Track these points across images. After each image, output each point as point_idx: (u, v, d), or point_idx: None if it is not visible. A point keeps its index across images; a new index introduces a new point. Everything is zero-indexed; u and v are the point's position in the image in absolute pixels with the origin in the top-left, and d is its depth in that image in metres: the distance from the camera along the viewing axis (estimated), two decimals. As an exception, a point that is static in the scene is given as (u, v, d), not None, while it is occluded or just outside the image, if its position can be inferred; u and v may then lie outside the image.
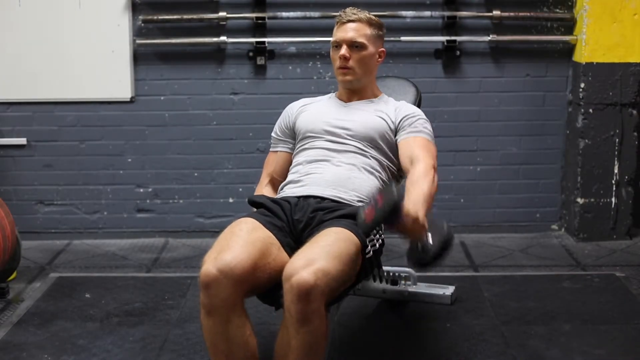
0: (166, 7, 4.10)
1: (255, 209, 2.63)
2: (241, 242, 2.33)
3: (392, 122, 2.72)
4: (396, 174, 2.75)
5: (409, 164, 2.60)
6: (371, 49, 2.71)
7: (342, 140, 2.70)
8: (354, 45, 2.69)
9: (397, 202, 2.24)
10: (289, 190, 2.67)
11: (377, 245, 2.53)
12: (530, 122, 4.25)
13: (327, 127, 2.73)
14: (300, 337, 2.21)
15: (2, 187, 4.21)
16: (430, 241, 2.32)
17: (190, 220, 4.30)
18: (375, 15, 2.80)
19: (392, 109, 2.76)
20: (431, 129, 2.73)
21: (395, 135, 2.72)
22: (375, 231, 2.53)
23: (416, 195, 2.32)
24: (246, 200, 2.74)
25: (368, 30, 2.71)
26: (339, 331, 3.03)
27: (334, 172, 2.64)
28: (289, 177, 2.73)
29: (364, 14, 2.72)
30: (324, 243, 2.31)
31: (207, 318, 2.28)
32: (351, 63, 2.69)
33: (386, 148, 2.71)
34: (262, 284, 2.35)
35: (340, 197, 2.58)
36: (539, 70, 4.20)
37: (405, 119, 2.72)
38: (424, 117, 2.76)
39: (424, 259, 2.34)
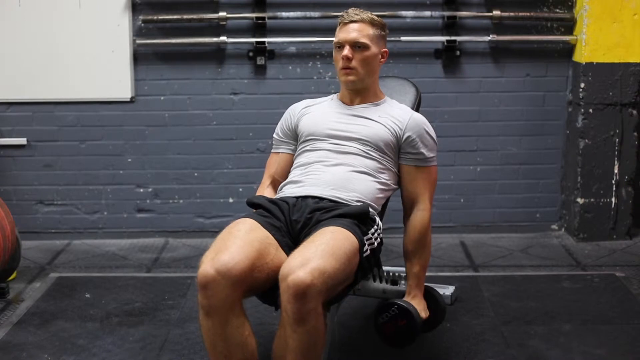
0: (166, 7, 4.10)
1: (253, 210, 2.63)
2: (239, 242, 2.33)
3: (397, 134, 2.70)
4: (397, 177, 2.75)
5: (410, 203, 2.74)
6: (374, 49, 2.70)
7: (345, 143, 2.69)
8: (356, 46, 2.68)
9: (417, 329, 2.62)
10: (288, 191, 2.67)
11: (376, 243, 2.53)
12: (530, 122, 4.25)
13: (330, 131, 2.72)
14: (298, 337, 2.21)
15: (2, 187, 4.21)
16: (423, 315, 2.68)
17: (190, 220, 4.30)
18: (376, 16, 2.79)
19: (397, 117, 2.73)
20: (435, 140, 2.74)
21: (399, 148, 2.71)
22: (373, 230, 2.53)
23: (417, 274, 2.74)
24: (245, 200, 2.74)
25: (371, 31, 2.70)
26: (339, 331, 3.03)
27: (334, 173, 2.64)
28: (289, 178, 2.73)
29: (367, 15, 2.72)
30: (320, 242, 2.31)
31: (205, 319, 2.28)
32: (354, 63, 2.68)
33: (388, 152, 2.70)
34: (261, 284, 2.35)
35: (338, 197, 2.58)
36: (539, 70, 4.20)
37: (411, 140, 2.70)
38: (430, 130, 2.74)
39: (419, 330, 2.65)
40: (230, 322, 2.27)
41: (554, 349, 2.93)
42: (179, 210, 4.29)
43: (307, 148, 2.74)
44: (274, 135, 2.89)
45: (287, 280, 2.18)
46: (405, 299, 2.70)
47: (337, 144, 2.70)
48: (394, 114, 2.74)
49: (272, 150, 2.90)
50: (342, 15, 2.74)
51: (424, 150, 2.71)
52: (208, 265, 2.25)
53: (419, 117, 2.77)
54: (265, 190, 2.83)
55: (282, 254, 2.41)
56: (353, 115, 2.75)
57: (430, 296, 2.76)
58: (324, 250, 2.26)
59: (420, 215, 2.72)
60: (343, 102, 2.81)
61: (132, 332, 3.09)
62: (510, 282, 3.56)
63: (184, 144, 4.23)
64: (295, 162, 2.78)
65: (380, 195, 2.68)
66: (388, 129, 2.70)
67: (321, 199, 2.58)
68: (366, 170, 2.66)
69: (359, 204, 2.58)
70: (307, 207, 2.54)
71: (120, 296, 3.45)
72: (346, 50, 2.68)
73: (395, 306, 2.62)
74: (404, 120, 2.72)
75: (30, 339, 3.03)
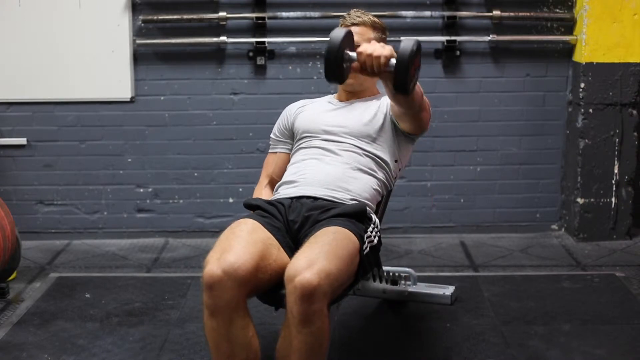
0: (166, 7, 4.10)
1: (251, 212, 2.62)
2: (243, 242, 2.33)
3: (385, 107, 2.71)
4: (393, 173, 2.75)
5: None
6: None
7: (338, 139, 2.70)
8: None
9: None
10: (283, 192, 2.67)
11: (375, 241, 2.53)
12: (530, 122, 4.25)
13: (325, 126, 2.73)
14: (303, 338, 2.21)
15: (2, 187, 4.21)
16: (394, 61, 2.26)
17: (190, 220, 4.30)
18: (376, 16, 2.79)
19: (385, 100, 2.75)
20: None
21: (391, 120, 2.71)
22: (371, 228, 2.53)
23: None
24: (243, 203, 2.74)
25: (372, 34, 2.71)
26: (339, 331, 3.03)
27: (327, 171, 2.64)
28: (284, 177, 2.74)
29: (368, 17, 2.72)
30: (323, 243, 2.31)
31: (210, 319, 2.28)
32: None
33: (385, 143, 2.70)
34: (263, 285, 2.35)
35: (333, 197, 2.58)
36: (539, 70, 4.20)
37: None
38: None
39: (401, 77, 2.26)
40: (235, 323, 2.27)
41: (554, 349, 2.93)
42: (179, 210, 4.29)
43: (302, 145, 2.75)
44: (271, 135, 2.90)
45: (294, 282, 2.18)
46: None
47: (330, 140, 2.70)
48: (384, 100, 2.76)
49: (270, 150, 2.91)
50: (343, 17, 2.74)
51: None
52: (214, 266, 2.24)
53: None
54: (262, 190, 2.84)
55: (284, 254, 2.41)
56: (347, 112, 2.76)
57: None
58: (328, 252, 2.26)
59: None
60: (339, 101, 2.83)
61: (132, 332, 3.09)
62: (510, 282, 3.56)
63: (184, 144, 4.23)
64: (291, 160, 2.79)
65: (376, 193, 2.68)
66: (382, 111, 2.71)
67: (316, 198, 2.58)
68: (360, 168, 2.66)
69: (354, 202, 2.58)
70: (303, 207, 2.55)
71: (120, 296, 3.45)
72: None
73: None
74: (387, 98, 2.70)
75: (30, 339, 3.03)
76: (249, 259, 2.27)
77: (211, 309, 2.26)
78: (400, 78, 2.24)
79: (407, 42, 2.24)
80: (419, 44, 2.27)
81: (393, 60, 2.25)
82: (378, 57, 2.24)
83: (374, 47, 2.25)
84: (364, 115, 2.73)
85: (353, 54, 2.29)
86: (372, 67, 2.26)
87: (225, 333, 2.27)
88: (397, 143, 2.73)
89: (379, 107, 2.75)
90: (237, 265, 2.24)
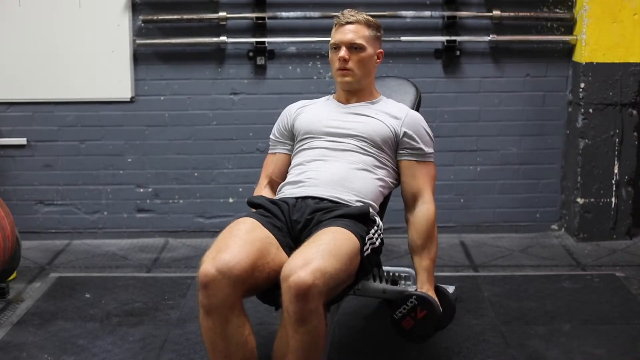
0: (166, 7, 4.10)
1: (254, 210, 2.63)
2: (240, 242, 2.33)
3: (394, 131, 2.71)
4: (395, 173, 2.75)
5: (412, 198, 2.71)
6: (370, 50, 2.72)
7: (341, 140, 2.70)
8: (352, 47, 2.69)
9: (439, 320, 2.52)
10: (288, 191, 2.67)
11: (377, 243, 2.53)
12: (530, 122, 4.25)
13: (326, 127, 2.73)
14: (299, 337, 2.22)
15: (2, 187, 4.21)
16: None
17: (190, 220, 4.30)
18: (375, 16, 2.80)
19: (394, 113, 2.74)
20: (432, 137, 2.76)
21: (397, 145, 2.72)
22: (374, 230, 2.53)
23: (427, 268, 2.63)
24: (246, 200, 2.74)
25: (366, 32, 2.71)
26: (339, 331, 3.03)
27: (332, 171, 2.64)
28: (288, 178, 2.74)
29: (362, 16, 2.73)
30: (321, 242, 2.31)
31: (206, 318, 2.28)
32: (350, 64, 2.70)
33: (385, 148, 2.71)
34: (261, 284, 2.35)
35: (338, 198, 2.59)
36: (539, 70, 4.20)
37: (409, 137, 2.71)
38: (426, 127, 2.75)
39: (431, 331, 2.56)
40: (230, 322, 2.27)
41: (554, 349, 2.92)
42: (179, 210, 4.29)
43: (304, 147, 2.75)
44: (271, 136, 2.90)
45: (288, 281, 2.18)
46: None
47: (333, 141, 2.70)
48: (391, 111, 2.76)
49: (269, 151, 2.91)
50: (337, 17, 2.75)
51: (422, 146, 2.72)
52: (209, 265, 2.25)
53: (416, 114, 2.80)
54: (262, 191, 2.84)
55: (283, 254, 2.41)
56: (349, 113, 2.76)
57: (439, 293, 2.66)
58: (325, 251, 2.26)
59: (426, 208, 2.69)
60: (339, 102, 2.82)
61: (132, 332, 3.09)
62: (510, 282, 3.56)
63: (184, 144, 4.23)
64: (293, 161, 2.79)
65: (380, 192, 2.69)
66: (385, 124, 2.71)
67: (321, 199, 2.58)
68: (364, 167, 2.66)
69: (359, 204, 2.58)
70: (308, 207, 2.55)
71: (120, 296, 3.45)
72: (342, 52, 2.69)
73: (414, 297, 2.53)
74: (401, 117, 2.73)
75: (30, 339, 3.03)
76: (244, 258, 2.27)
77: (206, 308, 2.27)
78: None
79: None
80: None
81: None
82: None
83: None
84: (366, 119, 2.73)
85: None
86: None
87: (221, 332, 2.27)
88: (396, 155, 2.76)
89: (384, 116, 2.73)
90: (232, 264, 2.24)
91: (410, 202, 2.73)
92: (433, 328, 2.51)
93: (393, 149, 2.72)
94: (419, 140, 2.72)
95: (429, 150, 2.74)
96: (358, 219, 2.50)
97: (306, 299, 2.17)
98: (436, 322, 2.50)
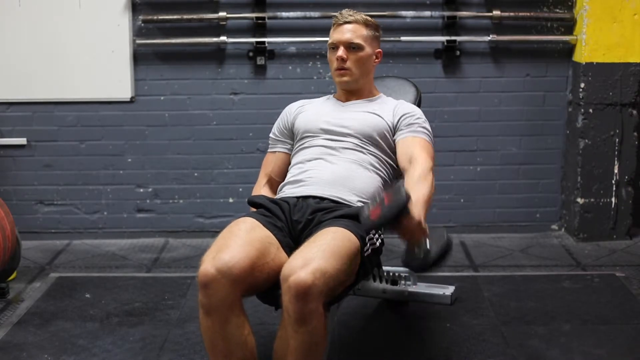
0: (166, 7, 4.10)
1: (254, 209, 2.63)
2: (240, 241, 2.33)
3: (391, 121, 2.72)
4: (395, 171, 2.76)
5: (408, 164, 2.61)
6: (368, 50, 2.72)
7: (340, 138, 2.70)
8: (351, 47, 2.70)
9: (404, 202, 2.24)
10: (288, 191, 2.67)
11: (377, 244, 2.53)
12: (530, 122, 4.25)
13: (325, 125, 2.74)
14: (299, 337, 2.21)
15: (2, 187, 4.21)
16: (429, 246, 2.37)
17: (190, 220, 4.30)
18: (374, 16, 2.80)
19: (391, 107, 2.77)
20: (430, 130, 2.74)
21: (393, 135, 2.72)
22: (375, 231, 2.53)
23: (417, 199, 2.34)
24: (246, 200, 2.74)
25: (365, 32, 2.72)
26: (339, 331, 3.03)
27: (333, 170, 2.64)
28: (288, 178, 2.74)
29: (360, 15, 2.73)
30: (321, 242, 2.31)
31: (205, 318, 2.28)
32: (348, 64, 2.70)
33: (384, 145, 2.71)
34: (261, 284, 2.35)
35: (339, 197, 2.58)
36: (539, 70, 4.20)
37: (403, 117, 2.72)
38: (423, 116, 2.77)
39: (422, 264, 2.39)
40: (230, 321, 2.27)
41: (554, 349, 2.93)
42: (179, 210, 4.29)
43: (304, 145, 2.75)
44: (271, 135, 2.90)
45: (288, 281, 2.18)
46: None
47: (332, 139, 2.70)
48: (387, 105, 2.77)
49: (269, 150, 2.91)
50: (335, 17, 2.75)
51: (416, 122, 2.70)
52: (209, 264, 2.25)
53: (409, 104, 2.82)
54: (261, 190, 2.84)
55: (283, 254, 2.41)
56: (347, 111, 2.77)
57: (432, 229, 2.43)
58: (325, 251, 2.26)
59: (420, 164, 2.54)
60: (338, 100, 2.83)
61: (132, 332, 3.09)
62: (510, 282, 3.56)
63: (184, 144, 4.23)
64: (292, 160, 2.79)
65: (380, 189, 2.68)
66: (379, 116, 2.72)
67: (322, 199, 2.58)
68: (365, 166, 2.66)
69: (360, 204, 2.58)
70: (309, 207, 2.55)
71: (120, 296, 3.45)
72: (341, 51, 2.69)
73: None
74: (395, 106, 2.76)
75: (30, 339, 3.03)
76: (243, 258, 2.27)
77: (206, 308, 2.27)
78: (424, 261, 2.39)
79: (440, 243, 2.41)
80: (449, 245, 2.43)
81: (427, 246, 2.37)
82: (422, 231, 2.31)
83: (424, 226, 2.33)
84: (364, 115, 2.74)
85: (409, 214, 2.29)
86: (412, 236, 2.31)
87: (220, 332, 2.27)
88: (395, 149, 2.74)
89: (382, 111, 2.75)
90: (231, 264, 2.24)
91: (407, 168, 2.60)
92: (401, 212, 2.24)
93: (391, 138, 2.72)
94: (414, 120, 2.71)
95: (426, 131, 2.70)
96: (358, 219, 2.50)
97: (306, 299, 2.16)
98: (402, 206, 2.23)
